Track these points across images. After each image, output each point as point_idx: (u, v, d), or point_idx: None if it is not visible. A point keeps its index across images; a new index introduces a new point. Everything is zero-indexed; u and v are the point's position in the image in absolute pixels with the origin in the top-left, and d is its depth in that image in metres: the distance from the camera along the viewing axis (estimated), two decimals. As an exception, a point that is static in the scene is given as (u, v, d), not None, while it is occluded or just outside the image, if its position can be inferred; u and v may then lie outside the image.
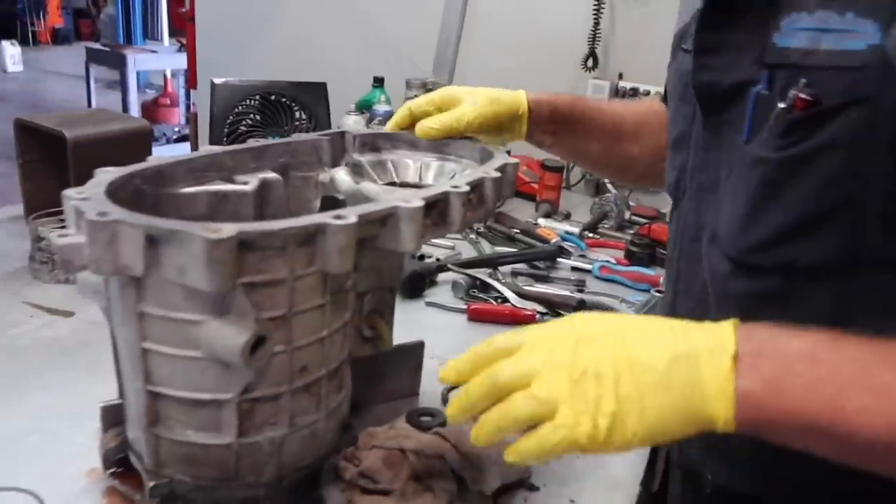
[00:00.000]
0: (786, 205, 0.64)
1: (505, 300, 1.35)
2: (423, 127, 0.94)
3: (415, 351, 1.01)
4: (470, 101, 0.94)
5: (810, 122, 0.60)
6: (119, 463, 0.78)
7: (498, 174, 0.80)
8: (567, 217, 1.89)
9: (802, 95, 0.60)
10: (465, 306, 1.32)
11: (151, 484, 0.66)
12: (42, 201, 1.45)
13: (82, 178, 0.68)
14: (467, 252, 1.58)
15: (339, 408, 0.74)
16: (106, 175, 0.68)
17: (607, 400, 0.52)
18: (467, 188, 0.73)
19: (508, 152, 0.94)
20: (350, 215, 0.60)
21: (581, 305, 1.30)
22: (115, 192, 0.66)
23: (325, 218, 0.59)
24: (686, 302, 0.80)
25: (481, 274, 1.42)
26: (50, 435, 0.91)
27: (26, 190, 1.47)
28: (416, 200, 0.66)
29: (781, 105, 0.62)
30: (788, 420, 0.50)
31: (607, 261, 1.56)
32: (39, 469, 0.84)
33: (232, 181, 0.83)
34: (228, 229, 0.54)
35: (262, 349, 0.59)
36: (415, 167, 0.99)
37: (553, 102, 0.99)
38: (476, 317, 1.29)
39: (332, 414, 0.72)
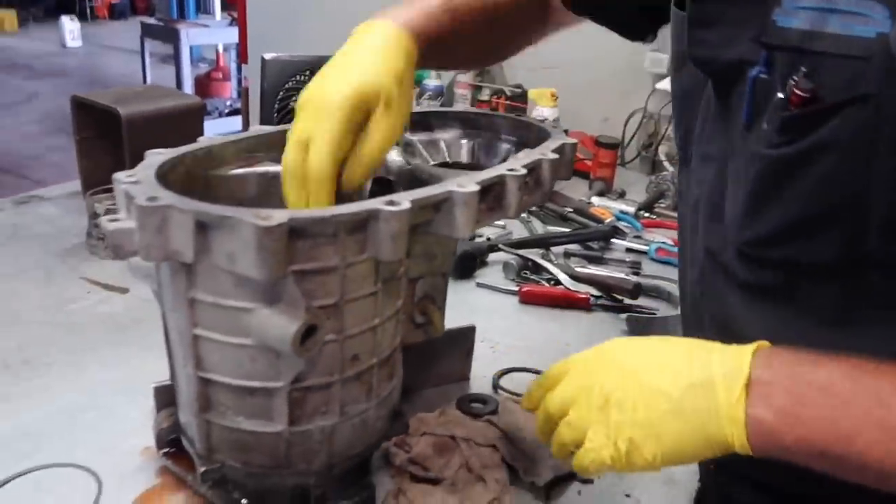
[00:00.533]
0: (783, 204, 0.59)
1: (557, 282, 1.32)
2: (353, 180, 0.69)
3: (466, 335, 0.99)
4: (383, 107, 0.67)
5: (807, 120, 0.55)
6: (172, 443, 0.78)
7: (556, 156, 0.77)
8: (622, 196, 1.83)
9: (798, 91, 0.54)
10: (516, 288, 1.29)
11: (203, 469, 0.66)
12: (99, 177, 1.47)
13: (137, 154, 0.67)
14: (518, 232, 1.55)
15: (389, 396, 0.72)
16: (156, 157, 0.67)
17: (626, 426, 0.56)
18: (524, 171, 0.70)
19: (566, 131, 0.90)
20: (403, 201, 0.58)
21: (637, 290, 1.25)
22: (166, 175, 0.65)
23: (378, 204, 0.57)
24: (692, 271, 0.76)
25: (533, 254, 1.39)
26: (106, 411, 0.92)
27: (83, 166, 1.50)
28: (471, 185, 0.63)
29: (780, 95, 0.56)
30: (802, 447, 0.52)
31: (664, 242, 1.51)
32: (96, 445, 0.85)
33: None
34: (279, 216, 0.53)
35: (313, 338, 0.58)
36: (468, 147, 0.96)
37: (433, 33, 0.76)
38: (528, 299, 1.26)
39: (383, 402, 0.71)
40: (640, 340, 0.61)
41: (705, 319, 0.74)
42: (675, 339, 0.60)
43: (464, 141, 0.95)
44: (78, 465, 0.82)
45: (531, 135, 0.92)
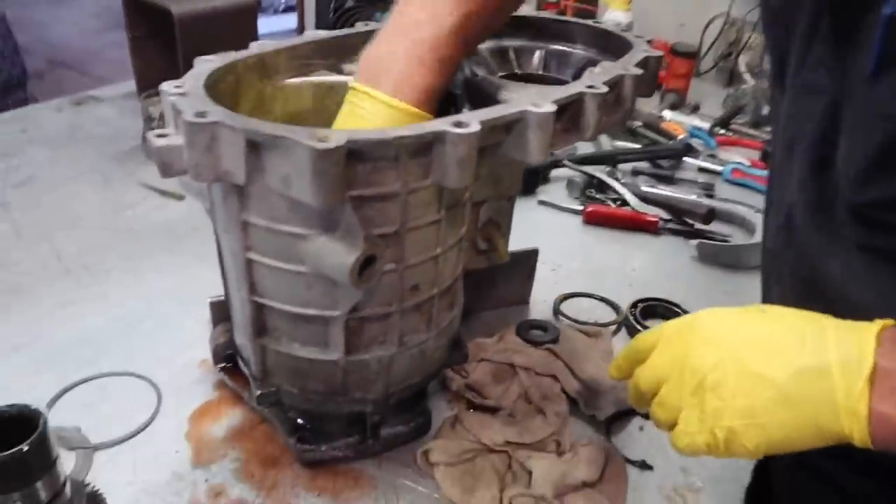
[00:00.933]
0: None
1: (624, 202, 1.25)
2: None
3: (528, 258, 0.94)
4: None
5: None
6: (228, 358, 0.78)
7: (639, 71, 0.69)
8: (695, 110, 1.71)
9: None
10: (580, 207, 1.22)
11: (259, 393, 0.64)
12: (153, 77, 1.44)
13: (190, 55, 0.64)
14: (584, 147, 1.46)
15: (449, 325, 0.69)
16: (206, 65, 0.62)
17: (724, 413, 0.50)
18: (605, 89, 0.63)
19: (650, 41, 0.81)
20: (472, 122, 0.52)
21: (711, 215, 1.18)
22: (216, 85, 0.61)
23: (444, 125, 0.52)
24: (776, 217, 0.67)
25: (599, 171, 1.31)
26: (163, 320, 0.92)
27: (137, 66, 1.46)
28: (546, 105, 0.57)
29: None
30: None
31: (740, 163, 1.41)
32: (154, 355, 0.86)
33: (339, 70, 0.76)
34: (337, 137, 0.48)
35: (372, 269, 0.54)
36: (539, 56, 0.88)
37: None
38: (592, 219, 1.20)
39: (443, 332, 0.67)
40: (737, 313, 0.54)
41: (785, 273, 0.65)
42: (779, 312, 0.52)
43: (535, 50, 0.87)
44: (138, 374, 0.83)
45: (610, 45, 0.84)
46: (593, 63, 0.83)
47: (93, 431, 0.75)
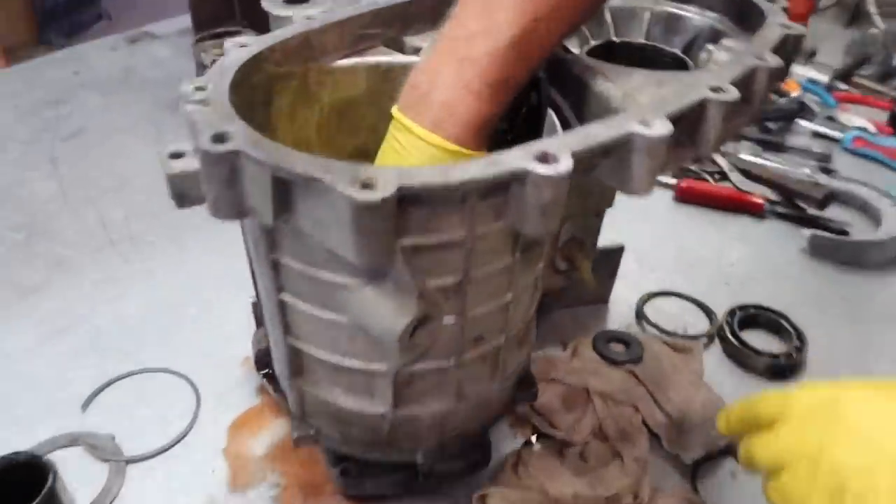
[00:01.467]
0: None
1: (724, 176, 1.09)
2: None
3: (610, 257, 0.82)
4: None
5: None
6: (271, 364, 0.70)
7: (778, 62, 0.54)
8: (811, 56, 1.49)
9: None
10: (673, 181, 1.07)
11: (296, 435, 0.56)
12: (207, 13, 1.34)
13: None
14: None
15: (518, 367, 0.58)
16: (238, 53, 0.51)
17: None
18: (735, 94, 0.49)
19: (785, 9, 0.65)
20: (562, 155, 0.40)
21: (827, 200, 1.01)
22: (247, 78, 0.50)
23: (526, 160, 0.40)
24: None
25: (695, 136, 1.15)
26: (206, 306, 0.85)
27: (193, 3, 1.36)
28: (658, 122, 0.44)
29: None
30: None
31: (863, 129, 1.21)
32: (195, 349, 0.80)
33: (400, 44, 0.63)
34: (385, 183, 0.37)
35: (426, 329, 0.44)
36: (642, 20, 0.73)
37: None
38: (686, 197, 1.06)
39: (510, 377, 0.57)
40: None
41: None
42: None
43: (638, 13, 0.71)
44: (178, 372, 0.77)
45: (734, 9, 0.68)
46: (712, 34, 0.68)
47: (127, 439, 0.70)
